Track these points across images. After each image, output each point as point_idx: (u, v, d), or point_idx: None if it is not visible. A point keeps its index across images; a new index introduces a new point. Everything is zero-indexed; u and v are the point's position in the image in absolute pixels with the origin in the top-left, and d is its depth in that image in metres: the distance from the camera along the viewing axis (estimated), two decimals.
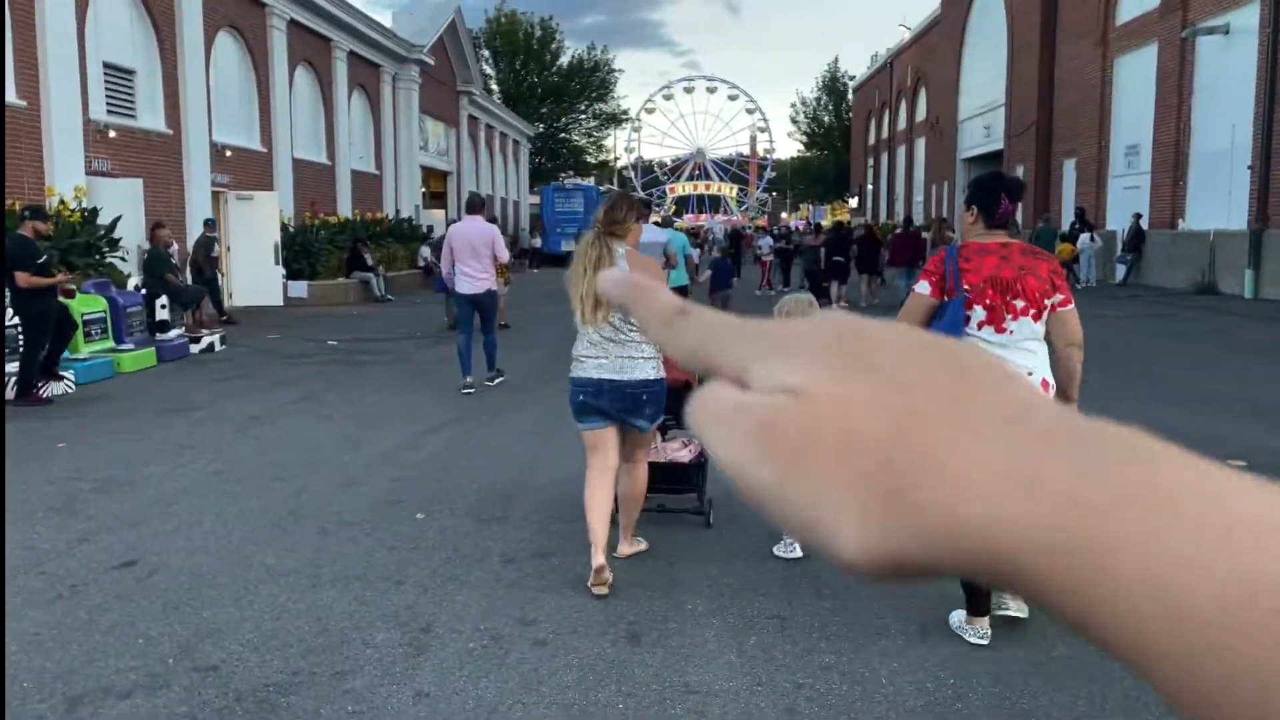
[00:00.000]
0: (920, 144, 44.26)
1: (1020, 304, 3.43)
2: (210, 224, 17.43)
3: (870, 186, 55.70)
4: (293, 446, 7.31)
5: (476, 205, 9.97)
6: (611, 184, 66.45)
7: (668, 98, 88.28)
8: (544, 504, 5.60)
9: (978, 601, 3.65)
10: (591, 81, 62.70)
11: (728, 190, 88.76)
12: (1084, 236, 22.88)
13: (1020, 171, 30.22)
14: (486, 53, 60.93)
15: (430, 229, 32.02)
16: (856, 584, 4.26)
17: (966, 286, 3.47)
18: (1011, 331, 3.42)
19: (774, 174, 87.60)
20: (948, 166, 38.07)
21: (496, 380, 10.01)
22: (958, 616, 3.78)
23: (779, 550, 4.69)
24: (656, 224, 13.05)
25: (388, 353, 13.00)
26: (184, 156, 18.06)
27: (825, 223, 57.52)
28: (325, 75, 25.19)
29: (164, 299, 12.77)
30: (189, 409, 8.86)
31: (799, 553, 4.68)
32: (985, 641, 3.63)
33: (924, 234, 27.61)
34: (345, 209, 25.94)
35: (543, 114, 60.18)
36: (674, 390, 4.80)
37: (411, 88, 31.44)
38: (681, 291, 12.53)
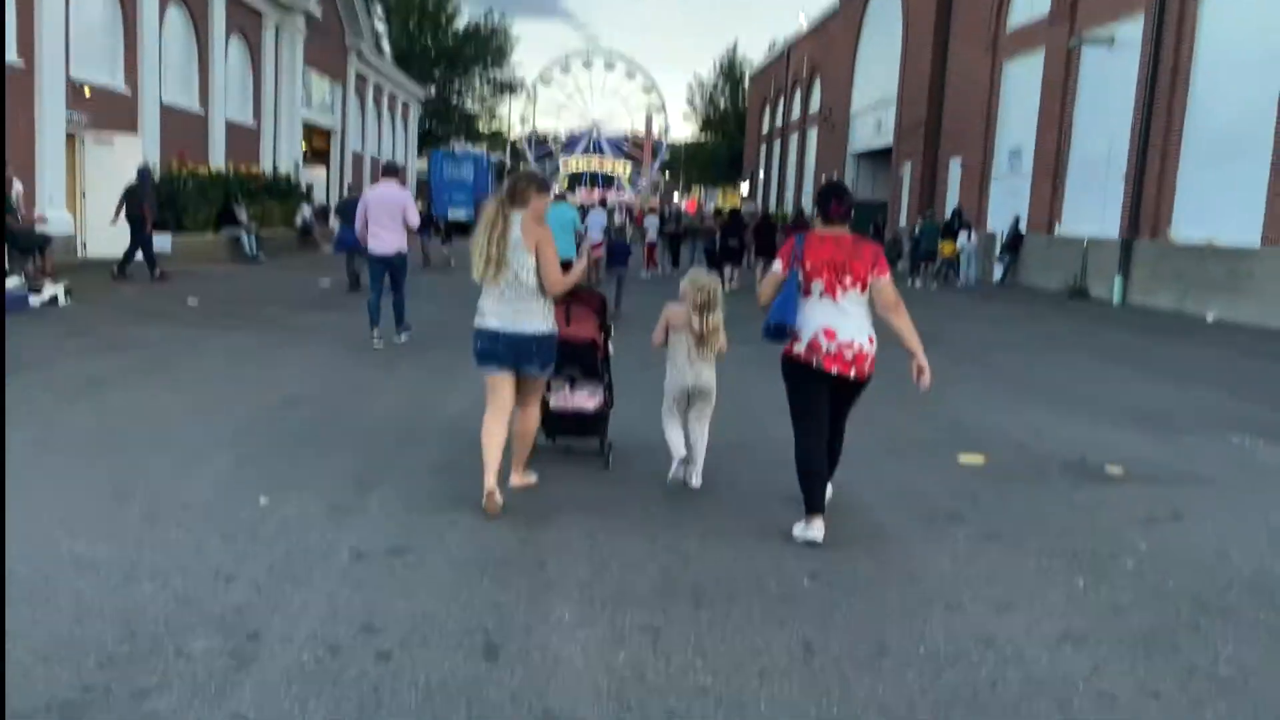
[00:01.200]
0: (813, 134, 44.63)
1: (849, 279, 4.58)
2: (145, 173, 16.61)
3: (763, 173, 56.10)
4: (134, 416, 6.65)
5: (391, 170, 10.71)
6: (504, 153, 65.21)
7: (565, 71, 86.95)
8: (408, 492, 5.14)
9: (814, 502, 4.65)
10: (487, 47, 61.31)
11: (621, 168, 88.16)
12: (963, 235, 23.36)
13: (908, 168, 30.77)
14: (380, 9, 58.85)
15: (310, 188, 30.69)
16: (738, 594, 3.99)
17: (808, 265, 4.58)
18: (840, 299, 4.59)
19: (668, 155, 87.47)
20: (838, 159, 38.48)
21: (404, 336, 10.28)
22: (799, 526, 4.67)
23: (674, 474, 5.33)
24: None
25: (254, 318, 12.21)
26: (36, 91, 16.65)
27: (716, 206, 57.64)
28: (200, 16, 23.71)
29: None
30: (19, 369, 8.01)
31: (696, 481, 5.37)
32: (819, 537, 4.57)
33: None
34: (218, 161, 24.52)
35: (435, 77, 58.54)
36: (582, 346, 5.64)
37: (296, 38, 29.96)
38: (565, 265, 13.69)
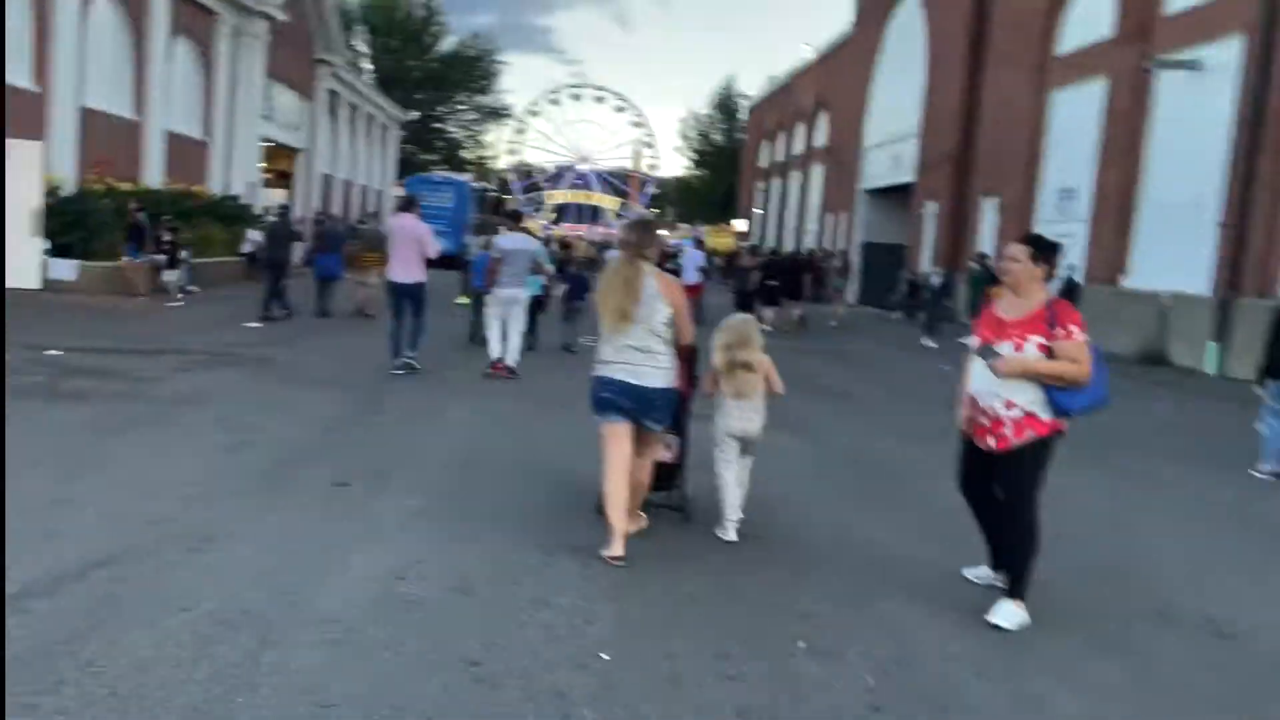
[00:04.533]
0: (817, 170, 41.84)
1: None
2: (286, 210, 17.48)
3: (759, 210, 53.31)
4: None
5: (409, 204, 11.14)
6: (488, 182, 62.24)
7: (554, 103, 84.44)
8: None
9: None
10: (473, 71, 58.48)
11: (609, 202, 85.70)
12: None
13: (932, 208, 27.87)
14: (364, 28, 56.09)
15: (267, 211, 27.46)
16: None
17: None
18: None
19: (657, 190, 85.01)
20: (847, 196, 35.62)
21: (415, 362, 10.37)
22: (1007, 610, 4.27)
23: (719, 532, 5.31)
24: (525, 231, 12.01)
25: (123, 377, 8.91)
26: None
27: (708, 242, 54.88)
28: (137, 11, 20.55)
29: None
30: None
31: (734, 535, 5.26)
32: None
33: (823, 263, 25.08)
34: (154, 176, 21.30)
35: (418, 100, 55.60)
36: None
37: (257, 46, 26.84)
38: (538, 301, 12.99)
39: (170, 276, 17.28)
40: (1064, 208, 21.32)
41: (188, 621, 3.64)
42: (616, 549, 4.71)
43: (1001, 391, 4.29)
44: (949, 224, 26.45)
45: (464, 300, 14.42)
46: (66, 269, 16.16)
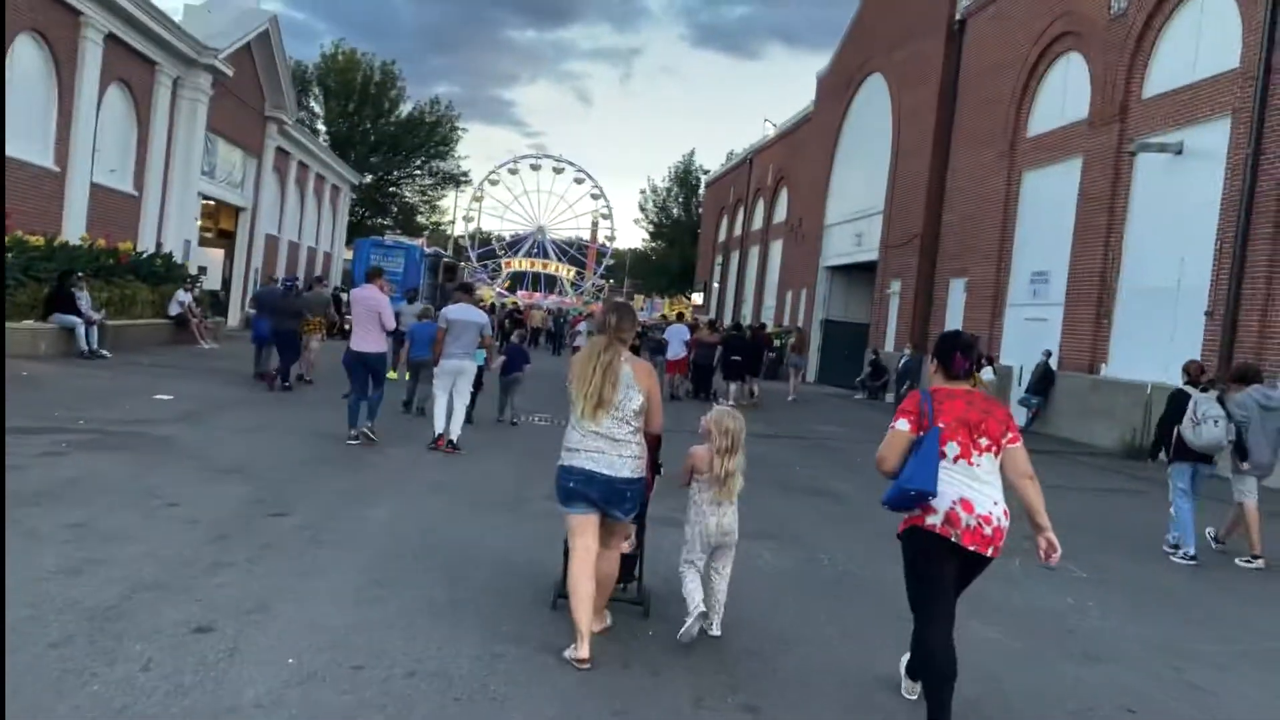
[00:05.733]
0: (777, 246, 41.26)
1: (984, 441, 3.98)
2: (291, 284, 16.53)
3: (717, 284, 52.67)
4: None
5: (374, 274, 10.92)
6: (444, 249, 61.14)
7: (513, 172, 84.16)
8: None
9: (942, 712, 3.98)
10: (432, 136, 57.66)
11: (565, 271, 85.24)
12: (987, 370, 19.45)
13: (897, 287, 27.14)
14: (318, 90, 55.23)
15: (202, 271, 26.00)
16: None
17: (941, 424, 3.94)
18: (978, 465, 3.96)
19: (613, 261, 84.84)
20: (808, 272, 34.90)
21: (368, 431, 10.34)
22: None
23: (688, 629, 4.85)
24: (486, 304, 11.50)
25: None
26: None
27: (665, 314, 54.12)
28: (66, 56, 19.25)
29: None
30: None
31: (717, 630, 5.05)
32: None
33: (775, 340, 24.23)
34: (76, 231, 19.79)
35: (373, 163, 54.56)
36: None
37: (199, 98, 25.59)
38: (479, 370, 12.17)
39: None
40: (1037, 291, 20.58)
41: None
42: (583, 651, 4.46)
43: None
44: (915, 304, 25.68)
45: (393, 375, 13.63)
46: None
